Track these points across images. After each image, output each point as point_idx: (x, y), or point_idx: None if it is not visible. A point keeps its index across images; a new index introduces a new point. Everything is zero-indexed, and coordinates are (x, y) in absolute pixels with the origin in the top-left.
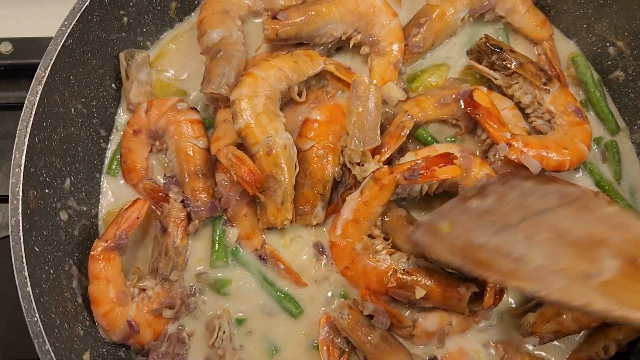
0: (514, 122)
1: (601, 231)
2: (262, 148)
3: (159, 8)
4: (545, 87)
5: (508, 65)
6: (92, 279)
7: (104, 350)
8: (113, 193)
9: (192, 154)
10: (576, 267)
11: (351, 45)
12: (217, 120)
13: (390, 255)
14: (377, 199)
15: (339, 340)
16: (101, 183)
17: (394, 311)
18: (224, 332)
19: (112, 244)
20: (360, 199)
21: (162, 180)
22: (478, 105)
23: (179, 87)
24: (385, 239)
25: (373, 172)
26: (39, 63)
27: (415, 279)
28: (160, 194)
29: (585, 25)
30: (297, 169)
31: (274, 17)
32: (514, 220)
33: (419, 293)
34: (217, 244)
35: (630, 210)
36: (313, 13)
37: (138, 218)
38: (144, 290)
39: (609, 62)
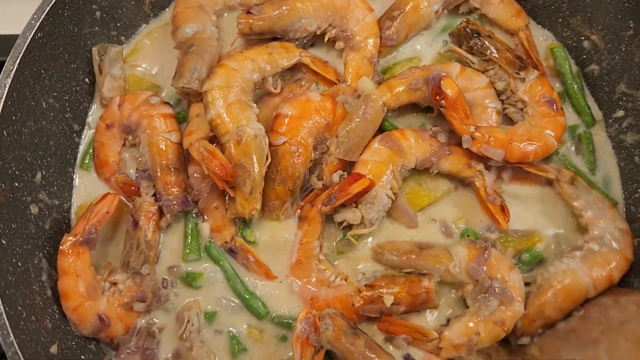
0: (486, 102)
1: None
2: (232, 137)
3: (133, 2)
4: (520, 76)
5: (483, 51)
6: (62, 274)
7: (73, 343)
8: (85, 187)
9: (164, 148)
10: None
11: (326, 39)
12: (189, 115)
13: (345, 279)
14: (310, 234)
15: (314, 337)
16: (74, 177)
17: (417, 326)
18: (192, 325)
19: (81, 239)
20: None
21: (135, 175)
22: (445, 96)
23: (152, 82)
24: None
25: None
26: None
27: (379, 289)
28: (133, 187)
29: (560, 19)
30: (269, 160)
31: (248, 12)
32: (596, 334)
33: (388, 300)
34: (189, 238)
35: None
36: (287, 8)
37: (108, 212)
38: (115, 284)
39: (584, 56)
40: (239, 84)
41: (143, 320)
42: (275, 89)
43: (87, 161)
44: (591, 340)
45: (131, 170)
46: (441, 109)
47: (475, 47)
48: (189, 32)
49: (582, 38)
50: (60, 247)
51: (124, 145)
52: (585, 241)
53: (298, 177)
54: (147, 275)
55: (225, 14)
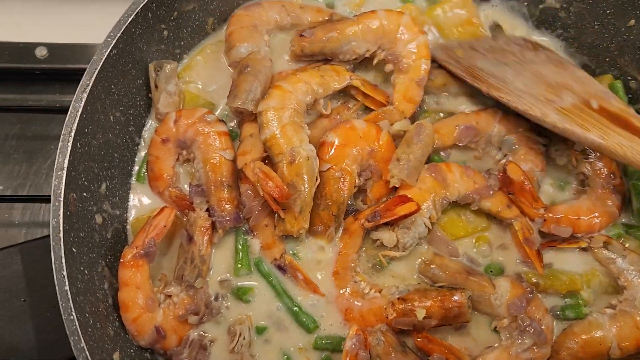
0: (529, 144)
1: (568, 81)
2: (285, 158)
3: (197, 23)
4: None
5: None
6: (122, 285)
7: (132, 351)
8: (139, 199)
9: (219, 165)
10: (543, 94)
11: (375, 62)
12: (242, 134)
13: (379, 292)
14: (349, 246)
15: (364, 354)
16: (132, 189)
17: (454, 348)
18: (244, 338)
19: (141, 252)
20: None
21: (187, 189)
22: (512, 182)
23: (206, 98)
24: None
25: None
26: (72, 68)
27: (412, 302)
28: (185, 202)
29: (607, 59)
30: (318, 180)
31: (301, 35)
32: (509, 60)
33: (420, 314)
34: (240, 253)
35: None
36: (337, 32)
37: (165, 226)
38: (170, 296)
39: (631, 95)
40: (293, 105)
41: (195, 333)
42: (325, 110)
43: (142, 174)
44: (504, 63)
45: (185, 185)
46: (509, 196)
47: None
48: (244, 51)
49: (629, 78)
50: (122, 260)
51: (177, 159)
52: (619, 301)
53: (342, 202)
54: (200, 288)
55: (277, 35)
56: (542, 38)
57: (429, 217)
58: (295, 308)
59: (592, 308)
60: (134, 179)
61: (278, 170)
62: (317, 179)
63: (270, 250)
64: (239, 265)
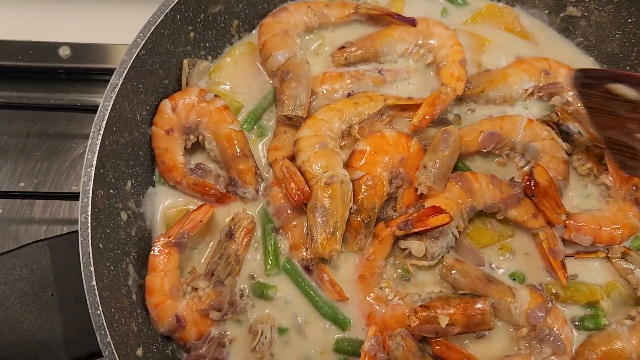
0: (554, 152)
1: None
2: (319, 181)
3: (222, 25)
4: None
5: (571, 138)
6: (151, 270)
7: (154, 347)
8: (159, 195)
9: (231, 139)
10: None
11: (416, 58)
12: (277, 129)
13: (402, 298)
14: (378, 252)
15: (382, 355)
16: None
17: (472, 356)
18: (266, 337)
19: (174, 241)
20: (363, 256)
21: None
22: (537, 185)
23: (235, 99)
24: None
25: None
26: (95, 68)
27: (435, 310)
28: (205, 187)
29: (627, 68)
30: (351, 203)
31: (341, 48)
32: None
33: (443, 321)
34: (270, 253)
35: None
36: (373, 39)
37: (201, 221)
38: (196, 289)
39: None
40: (327, 133)
41: (216, 331)
42: (359, 135)
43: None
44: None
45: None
46: (532, 198)
47: (563, 134)
48: (281, 59)
49: None
50: (154, 245)
51: (185, 146)
52: (639, 312)
53: (373, 209)
54: (228, 287)
55: (306, 37)
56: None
57: (457, 227)
58: (328, 308)
59: (611, 319)
60: (155, 178)
61: (313, 192)
62: (351, 202)
63: (298, 251)
64: (269, 265)
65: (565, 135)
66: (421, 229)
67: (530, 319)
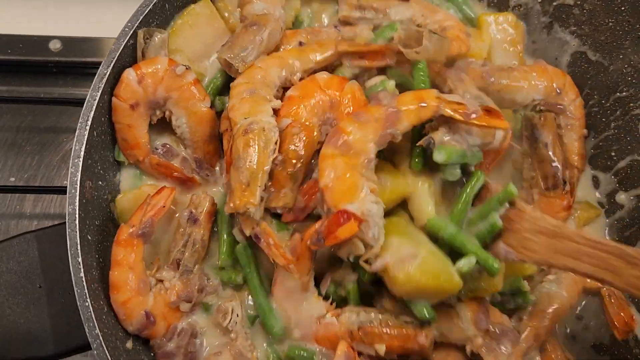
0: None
1: None
2: (240, 128)
3: None
4: (547, 192)
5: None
6: (114, 265)
7: (143, 339)
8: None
9: (202, 116)
10: None
11: (419, 22)
12: (231, 94)
13: (337, 317)
14: (301, 271)
15: None
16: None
17: None
18: (237, 315)
19: (138, 231)
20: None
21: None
22: None
23: (195, 69)
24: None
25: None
26: (85, 61)
27: (372, 336)
28: (168, 168)
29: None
30: (275, 154)
31: None
32: None
33: (381, 349)
34: (224, 244)
35: None
36: None
37: (164, 206)
38: (162, 281)
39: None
40: (260, 80)
41: (184, 323)
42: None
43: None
44: None
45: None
46: None
47: (530, 138)
48: (258, 9)
49: None
50: (116, 238)
51: (150, 121)
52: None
53: (299, 160)
54: (195, 275)
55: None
56: (557, 36)
57: (371, 192)
58: (266, 308)
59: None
60: (114, 155)
61: (234, 142)
62: (274, 152)
63: (247, 223)
64: (222, 256)
65: (532, 140)
66: (334, 243)
67: (479, 325)
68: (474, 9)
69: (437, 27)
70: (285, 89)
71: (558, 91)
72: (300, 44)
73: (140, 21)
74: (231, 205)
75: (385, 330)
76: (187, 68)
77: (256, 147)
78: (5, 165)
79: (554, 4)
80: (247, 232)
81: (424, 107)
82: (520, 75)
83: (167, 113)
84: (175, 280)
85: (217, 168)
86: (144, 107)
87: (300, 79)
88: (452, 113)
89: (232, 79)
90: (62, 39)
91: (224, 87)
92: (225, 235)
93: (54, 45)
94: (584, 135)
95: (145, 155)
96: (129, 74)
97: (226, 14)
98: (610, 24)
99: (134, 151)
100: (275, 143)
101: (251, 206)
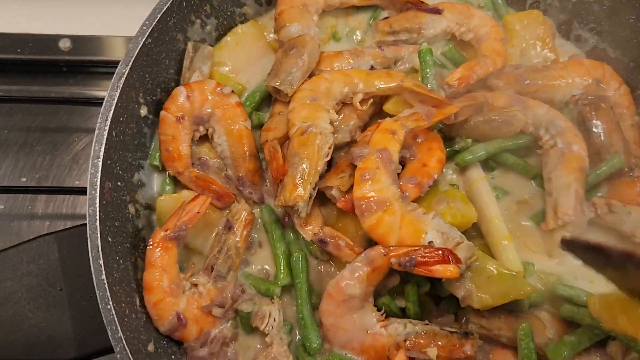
0: (575, 131)
1: None
2: (297, 129)
3: (228, 13)
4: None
5: None
6: (148, 266)
7: (165, 342)
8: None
9: (242, 136)
10: None
11: (458, 38)
12: (272, 111)
13: (385, 327)
14: (367, 280)
15: None
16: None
17: None
18: (275, 320)
19: (171, 234)
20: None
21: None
22: None
23: (236, 80)
24: (378, 309)
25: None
26: (96, 60)
27: (419, 348)
28: (207, 182)
29: None
30: (328, 157)
31: (384, 19)
32: None
33: (432, 353)
34: (282, 261)
35: None
36: (416, 12)
37: (199, 212)
38: (196, 285)
39: None
40: (323, 91)
41: (217, 330)
42: (361, 106)
43: (156, 156)
44: None
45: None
46: None
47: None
48: (294, 32)
49: None
50: (151, 240)
51: (193, 137)
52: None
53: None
54: (231, 281)
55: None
56: (576, 33)
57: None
58: (309, 321)
59: None
60: (147, 161)
61: (290, 140)
62: (327, 155)
63: (309, 227)
64: (281, 275)
65: (586, 133)
66: (421, 273)
67: None
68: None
69: (472, 36)
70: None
71: (598, 82)
72: (372, 67)
73: (158, 20)
74: (281, 198)
75: (432, 340)
76: (232, 91)
77: (311, 149)
78: (17, 166)
79: (573, 0)
80: (308, 238)
81: (394, 137)
82: (556, 73)
83: (209, 130)
84: (210, 285)
85: (258, 190)
86: (189, 121)
87: (361, 101)
88: (416, 124)
89: (270, 96)
90: (72, 38)
91: (262, 103)
92: (280, 252)
93: (64, 44)
94: (638, 122)
95: (186, 167)
96: (180, 91)
97: (265, 33)
98: (632, 20)
99: (175, 163)
100: (329, 148)
101: (300, 200)
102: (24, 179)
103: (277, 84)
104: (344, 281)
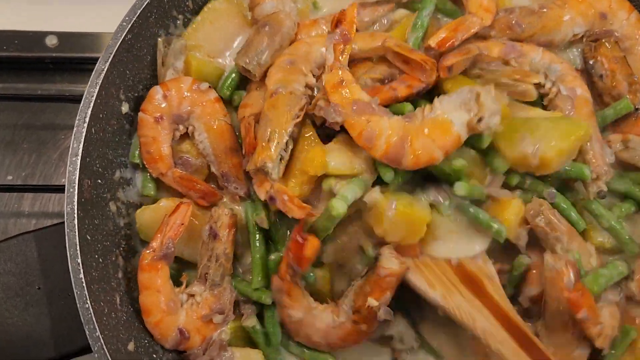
0: (574, 73)
1: None
2: (268, 92)
3: None
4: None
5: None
6: (142, 289)
7: (146, 341)
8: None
9: (224, 131)
10: None
11: None
12: (249, 87)
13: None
14: (293, 307)
15: None
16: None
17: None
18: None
19: (160, 254)
20: None
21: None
22: None
23: (214, 64)
24: None
25: None
26: (82, 57)
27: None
28: (191, 182)
29: None
30: (299, 118)
31: None
32: None
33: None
34: (258, 265)
35: None
36: None
37: (182, 224)
38: (193, 295)
39: None
40: (303, 55)
41: (215, 333)
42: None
43: (136, 156)
44: None
45: None
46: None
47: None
48: (269, 9)
49: None
50: (140, 263)
51: (173, 136)
52: None
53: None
54: (227, 286)
55: None
56: None
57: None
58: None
59: None
60: (128, 159)
61: (265, 102)
62: (298, 117)
63: (262, 187)
64: (258, 277)
65: (587, 75)
66: (305, 265)
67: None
68: None
69: None
70: None
71: (603, 16)
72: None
73: (138, 15)
74: (251, 162)
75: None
76: (209, 87)
77: (280, 109)
78: (3, 164)
79: None
80: (262, 197)
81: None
82: (554, 13)
83: (190, 128)
84: (206, 294)
85: (242, 184)
86: (168, 120)
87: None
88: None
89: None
90: (59, 35)
91: (242, 81)
92: (257, 256)
93: (51, 41)
94: None
95: (168, 168)
96: (156, 91)
97: (241, 10)
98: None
99: (158, 164)
100: (300, 109)
101: (268, 160)
102: (10, 177)
103: (246, 62)
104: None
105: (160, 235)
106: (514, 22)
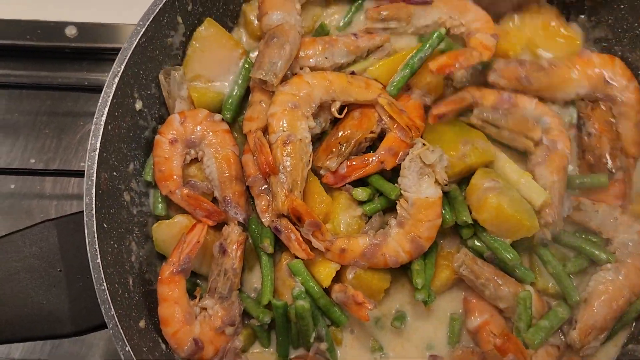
0: (561, 128)
1: None
2: (279, 138)
3: (220, 12)
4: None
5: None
6: (162, 301)
7: (156, 319)
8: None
9: (231, 159)
10: None
11: (450, 32)
12: (252, 99)
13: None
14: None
15: None
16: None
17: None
18: None
19: (178, 269)
20: None
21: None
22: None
23: (214, 91)
24: None
25: None
26: (101, 47)
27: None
28: (198, 201)
29: None
30: (310, 166)
31: (377, 6)
32: None
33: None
34: (268, 283)
35: None
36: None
37: (199, 242)
38: (205, 309)
39: None
40: (305, 97)
41: (229, 344)
42: (340, 114)
43: (149, 173)
44: None
45: None
46: None
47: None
48: (276, 20)
49: None
50: (160, 277)
51: (184, 160)
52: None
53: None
54: (234, 300)
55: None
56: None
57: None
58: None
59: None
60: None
61: (272, 148)
62: (309, 164)
63: (266, 213)
64: (267, 296)
65: (578, 129)
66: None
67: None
68: None
69: (464, 30)
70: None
71: (607, 80)
72: (353, 73)
73: (151, 20)
74: (275, 208)
75: None
76: (222, 119)
77: (295, 158)
78: (26, 148)
79: None
80: (266, 223)
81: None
82: (562, 72)
83: (200, 154)
84: (217, 307)
85: (242, 212)
86: (181, 144)
87: (339, 109)
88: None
89: (246, 95)
90: (78, 25)
91: (241, 105)
92: (269, 277)
93: (70, 32)
94: None
95: (177, 187)
96: (175, 118)
97: (251, 17)
98: (610, 21)
99: (168, 182)
100: (310, 157)
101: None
102: (32, 161)
103: (263, 75)
104: None
105: (178, 252)
106: (523, 76)
